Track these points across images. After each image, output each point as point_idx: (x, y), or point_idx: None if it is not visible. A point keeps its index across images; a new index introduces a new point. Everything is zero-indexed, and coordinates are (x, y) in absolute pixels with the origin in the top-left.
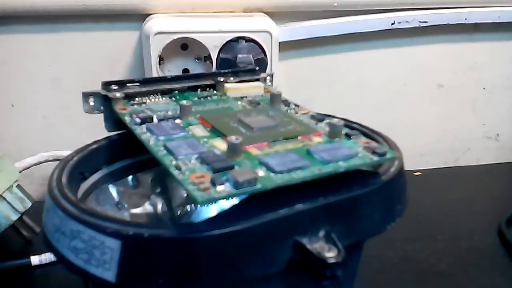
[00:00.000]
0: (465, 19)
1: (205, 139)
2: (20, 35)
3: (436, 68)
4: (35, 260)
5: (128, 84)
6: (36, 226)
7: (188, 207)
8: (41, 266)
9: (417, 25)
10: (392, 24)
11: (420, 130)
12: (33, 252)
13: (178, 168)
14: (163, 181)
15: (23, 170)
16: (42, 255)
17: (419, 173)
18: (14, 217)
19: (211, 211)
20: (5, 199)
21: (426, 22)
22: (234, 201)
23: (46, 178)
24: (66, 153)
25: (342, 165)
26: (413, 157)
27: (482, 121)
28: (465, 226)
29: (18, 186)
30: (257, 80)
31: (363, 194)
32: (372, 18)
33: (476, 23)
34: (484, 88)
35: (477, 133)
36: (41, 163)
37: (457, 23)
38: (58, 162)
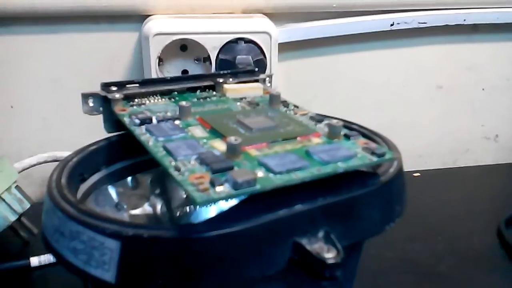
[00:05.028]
0: (464, 20)
1: (205, 140)
2: (19, 36)
3: (435, 69)
4: (34, 261)
5: (128, 85)
6: (34, 228)
7: (188, 208)
8: (40, 267)
9: (416, 26)
10: (391, 25)
11: (419, 131)
12: (31, 253)
13: (177, 169)
14: (163, 182)
15: (22, 171)
16: (41, 256)
17: (418, 174)
18: (13, 218)
19: (210, 212)
20: (3, 200)
21: (425, 23)
22: (233, 202)
23: (45, 179)
24: (65, 154)
25: (341, 166)
26: (412, 158)
27: (481, 122)
28: (464, 227)
29: (17, 187)
30: (256, 81)
31: (362, 195)
32: (371, 19)
33: (475, 24)
34: (483, 89)
35: (476, 134)
36: (40, 164)
37: (456, 24)
38: (57, 163)
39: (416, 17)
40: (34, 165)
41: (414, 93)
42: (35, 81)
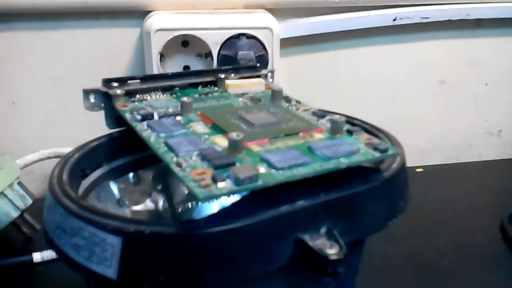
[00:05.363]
0: (467, 15)
1: (206, 136)
2: (20, 33)
3: (438, 64)
4: (37, 257)
5: (129, 81)
6: (37, 224)
7: (189, 204)
8: (43, 263)
9: (419, 21)
10: (394, 20)
11: (421, 126)
12: (33, 249)
13: (179, 165)
14: (164, 178)
15: (24, 167)
16: (44, 252)
17: (421, 170)
18: (15, 214)
19: (212, 208)
20: (6, 196)
21: (428, 18)
22: (235, 198)
23: (47, 176)
24: (67, 150)
25: (344, 162)
26: (414, 154)
27: (484, 117)
28: (467, 222)
29: (19, 183)
30: (258, 76)
31: (365, 191)
32: (373, 14)
33: (478, 19)
34: (486, 84)
35: (479, 129)
36: (42, 160)
37: (459, 19)
38: (59, 159)
39: (419, 12)
40: (36, 161)
41: (417, 88)
42: (36, 78)
